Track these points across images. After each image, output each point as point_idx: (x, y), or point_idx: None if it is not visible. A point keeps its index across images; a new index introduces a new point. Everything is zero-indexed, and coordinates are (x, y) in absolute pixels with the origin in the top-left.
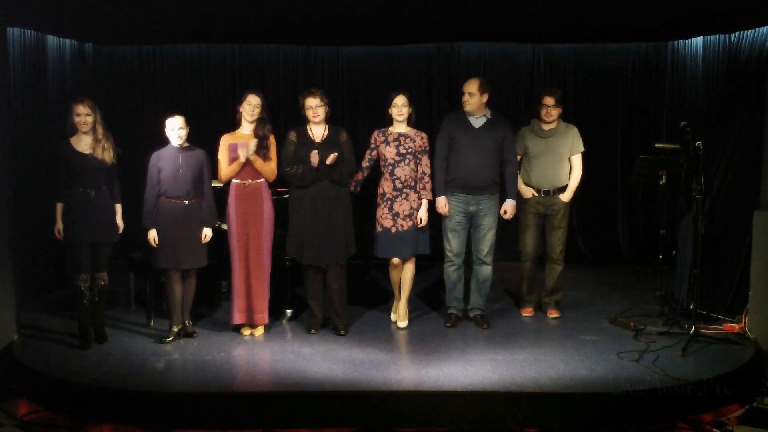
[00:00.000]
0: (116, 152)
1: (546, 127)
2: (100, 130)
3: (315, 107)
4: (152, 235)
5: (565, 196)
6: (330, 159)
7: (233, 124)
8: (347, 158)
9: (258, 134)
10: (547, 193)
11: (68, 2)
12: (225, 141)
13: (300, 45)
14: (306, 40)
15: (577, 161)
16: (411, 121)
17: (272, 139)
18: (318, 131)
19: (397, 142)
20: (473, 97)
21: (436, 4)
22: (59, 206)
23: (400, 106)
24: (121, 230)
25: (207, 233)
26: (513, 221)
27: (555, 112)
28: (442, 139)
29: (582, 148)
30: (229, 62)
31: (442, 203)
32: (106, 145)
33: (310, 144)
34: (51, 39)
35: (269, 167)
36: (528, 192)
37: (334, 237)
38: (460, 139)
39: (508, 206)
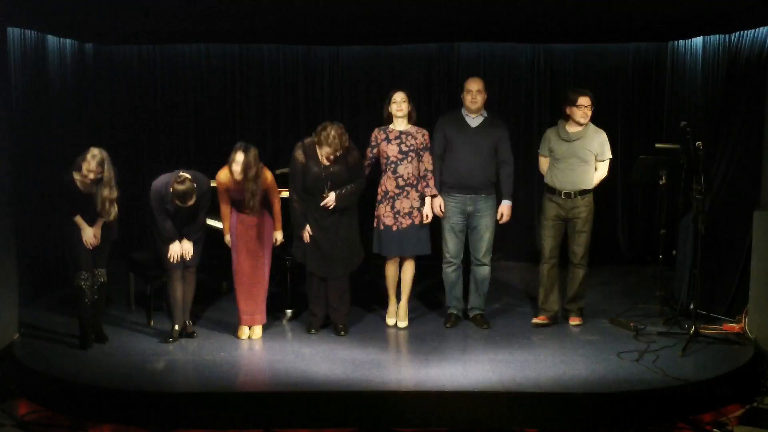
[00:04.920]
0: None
1: (572, 129)
2: (107, 192)
3: (334, 151)
4: (176, 247)
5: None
6: (330, 204)
7: (233, 125)
8: (357, 177)
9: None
10: (568, 195)
11: (68, 2)
12: (223, 186)
13: (300, 45)
14: (306, 40)
15: (603, 166)
16: (412, 119)
17: (269, 178)
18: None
19: (398, 140)
20: (481, 95)
21: (436, 4)
22: (79, 218)
23: (399, 102)
24: (96, 239)
25: (186, 248)
26: (522, 219)
27: (589, 112)
28: (438, 138)
29: (610, 155)
30: (229, 62)
31: (437, 203)
32: (109, 207)
33: (317, 165)
34: (51, 39)
35: (276, 204)
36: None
37: (340, 250)
38: (455, 138)
39: (505, 208)
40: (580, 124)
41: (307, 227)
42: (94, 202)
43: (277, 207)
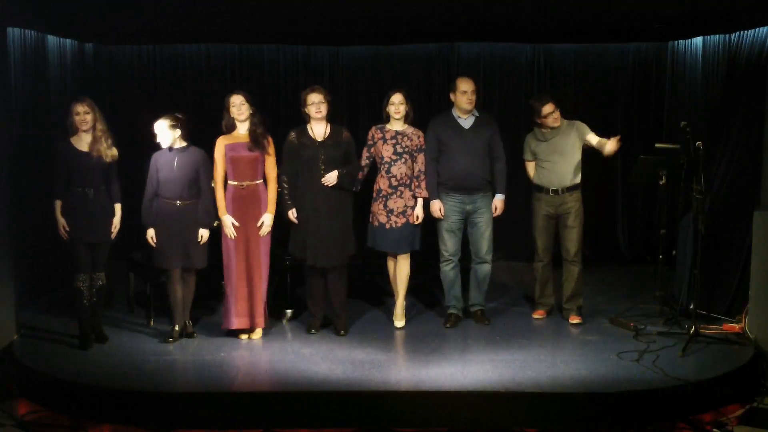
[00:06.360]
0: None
1: (547, 129)
2: (99, 127)
3: (318, 103)
4: (150, 233)
5: (611, 144)
6: (330, 182)
7: (231, 126)
8: (350, 158)
9: (254, 134)
10: (556, 192)
11: (68, 2)
12: (221, 143)
13: (300, 45)
14: (306, 40)
15: (595, 136)
16: (409, 119)
17: (271, 142)
18: (319, 130)
19: (394, 141)
20: (474, 95)
21: (436, 4)
22: (58, 204)
23: (397, 104)
24: (117, 230)
25: (203, 234)
26: (521, 219)
27: (558, 114)
28: (431, 142)
29: (590, 131)
30: (229, 62)
31: (437, 207)
32: (105, 143)
33: (312, 143)
34: (51, 39)
35: (273, 181)
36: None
37: (334, 239)
38: (449, 140)
39: (498, 202)
40: (555, 128)
41: (293, 210)
42: (91, 159)
43: (272, 185)
